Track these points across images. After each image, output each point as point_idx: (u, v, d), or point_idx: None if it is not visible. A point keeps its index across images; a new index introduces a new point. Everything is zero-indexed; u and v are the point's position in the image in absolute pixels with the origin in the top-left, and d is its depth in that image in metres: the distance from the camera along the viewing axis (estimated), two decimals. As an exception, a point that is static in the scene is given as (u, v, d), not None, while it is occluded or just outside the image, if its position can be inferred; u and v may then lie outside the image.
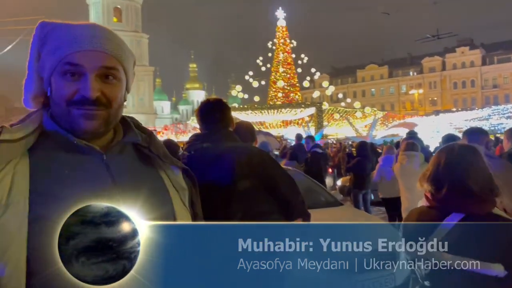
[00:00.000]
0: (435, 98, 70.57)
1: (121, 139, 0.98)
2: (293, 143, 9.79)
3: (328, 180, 10.27)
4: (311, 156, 7.05)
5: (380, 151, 14.93)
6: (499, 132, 23.12)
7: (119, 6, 69.69)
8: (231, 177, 1.89)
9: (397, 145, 11.82)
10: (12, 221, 0.79)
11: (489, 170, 1.59)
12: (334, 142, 24.03)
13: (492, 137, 19.19)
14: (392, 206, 7.81)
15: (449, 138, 5.36)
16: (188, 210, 1.02)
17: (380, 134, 26.68)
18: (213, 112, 2.16)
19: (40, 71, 0.91)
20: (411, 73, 73.85)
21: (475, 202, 1.51)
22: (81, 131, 0.89)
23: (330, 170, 13.82)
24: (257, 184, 1.94)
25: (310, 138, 8.03)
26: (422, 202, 1.67)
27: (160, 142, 1.03)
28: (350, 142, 20.00)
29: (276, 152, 7.91)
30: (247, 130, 2.55)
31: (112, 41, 0.92)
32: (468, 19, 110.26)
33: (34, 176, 0.84)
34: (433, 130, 20.47)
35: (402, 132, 23.61)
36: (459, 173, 1.56)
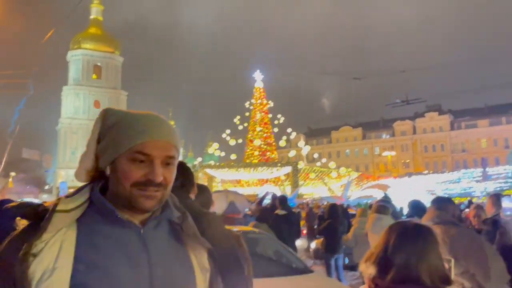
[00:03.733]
0: (408, 161, 72.45)
1: (159, 214, 1.06)
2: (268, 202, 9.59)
3: (302, 242, 9.98)
4: (282, 219, 6.83)
5: (354, 212, 14.89)
6: (468, 195, 23.57)
7: (99, 64, 70.78)
8: None
9: (371, 207, 11.83)
10: (55, 285, 0.89)
11: (442, 254, 1.43)
12: (309, 202, 23.90)
13: (462, 200, 19.51)
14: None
15: (414, 205, 5.08)
16: None
17: (354, 194, 26.80)
18: (174, 178, 1.99)
19: (102, 152, 1.02)
20: (383, 135, 76.26)
21: None
22: (140, 209, 1.00)
23: (303, 232, 13.56)
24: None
25: (280, 199, 7.72)
26: None
27: (192, 221, 1.11)
28: (323, 203, 19.89)
29: (248, 212, 7.65)
30: (203, 195, 2.39)
31: (173, 132, 1.07)
32: (436, 86, 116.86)
33: (79, 244, 0.94)
34: (406, 192, 20.70)
35: (376, 194, 23.78)
36: (409, 258, 1.36)
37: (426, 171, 51.20)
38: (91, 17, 71.94)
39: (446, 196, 21.94)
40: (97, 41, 69.88)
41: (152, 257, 0.99)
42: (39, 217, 0.96)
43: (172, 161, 1.04)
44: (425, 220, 2.63)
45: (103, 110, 1.06)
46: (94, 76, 70.43)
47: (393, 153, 61.70)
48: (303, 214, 15.04)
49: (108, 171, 1.02)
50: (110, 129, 1.02)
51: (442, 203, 2.74)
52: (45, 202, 1.03)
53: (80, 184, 1.07)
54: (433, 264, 1.37)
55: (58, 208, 0.97)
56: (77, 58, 69.55)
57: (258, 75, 40.05)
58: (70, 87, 69.05)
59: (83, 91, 69.31)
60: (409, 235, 1.42)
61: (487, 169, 26.67)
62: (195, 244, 1.07)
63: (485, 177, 24.91)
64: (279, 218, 6.79)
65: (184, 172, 2.01)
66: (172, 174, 1.05)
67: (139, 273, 0.95)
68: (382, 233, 1.48)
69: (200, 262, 1.07)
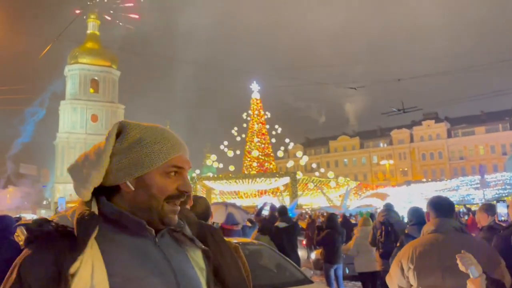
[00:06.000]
0: (406, 169, 72.48)
1: None
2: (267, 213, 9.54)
3: (302, 253, 9.93)
4: (282, 230, 6.79)
5: (354, 222, 14.83)
6: (468, 203, 23.55)
7: (96, 78, 70.96)
8: None
9: (372, 216, 11.78)
10: None
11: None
12: (308, 212, 23.81)
13: (461, 208, 19.46)
14: (370, 281, 7.51)
15: (414, 211, 5.25)
16: None
17: (354, 204, 26.75)
18: None
19: (121, 167, 1.01)
20: (381, 144, 76.38)
21: None
22: (168, 224, 1.05)
23: (303, 242, 13.48)
24: None
25: (280, 210, 7.73)
26: None
27: (186, 225, 1.15)
28: (321, 213, 19.82)
29: (247, 223, 7.60)
30: (202, 206, 2.38)
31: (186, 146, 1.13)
32: (432, 94, 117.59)
33: (106, 259, 0.94)
34: (405, 201, 20.66)
35: (376, 203, 23.75)
36: None
37: (424, 179, 51.25)
38: (88, 31, 72.31)
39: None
40: (94, 55, 70.15)
41: (173, 264, 1.02)
42: (60, 235, 0.94)
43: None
44: (427, 229, 2.51)
45: (118, 124, 1.06)
46: (91, 90, 70.52)
47: (391, 161, 61.74)
48: (303, 225, 14.97)
49: (131, 187, 1.02)
50: (134, 144, 1.03)
51: (443, 208, 2.51)
52: (52, 217, 1.01)
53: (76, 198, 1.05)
54: None
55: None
56: (74, 73, 69.71)
57: (254, 86, 40.26)
58: (67, 102, 69.08)
59: (81, 106, 69.35)
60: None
61: (485, 176, 26.68)
62: (191, 246, 1.11)
63: (484, 184, 24.92)
64: (280, 230, 6.76)
65: None
66: None
67: (168, 281, 0.98)
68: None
69: (197, 263, 1.09)
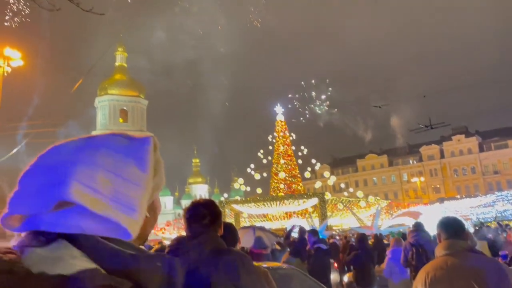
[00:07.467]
0: (438, 186, 70.42)
1: None
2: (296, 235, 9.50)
3: (334, 276, 9.75)
4: (314, 253, 6.73)
5: (387, 242, 14.46)
6: (506, 219, 22.59)
7: (125, 108, 73.22)
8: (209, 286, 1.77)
9: (404, 236, 11.47)
10: None
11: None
12: (338, 234, 23.36)
13: (504, 223, 18.67)
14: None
15: (449, 224, 5.01)
16: None
17: (385, 223, 26.06)
18: (202, 216, 2.04)
19: (154, 190, 0.81)
20: (410, 161, 74.71)
21: None
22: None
23: (335, 264, 13.22)
24: None
25: (312, 232, 7.72)
26: None
27: None
28: (352, 234, 19.44)
29: (278, 247, 7.58)
30: (229, 232, 2.45)
31: None
32: (460, 108, 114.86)
33: None
34: (439, 219, 19.98)
35: (408, 222, 23.06)
36: None
37: (458, 196, 49.59)
38: (116, 64, 75.13)
39: (480, 220, 21.02)
40: (122, 86, 72.62)
41: None
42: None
43: None
44: (438, 251, 2.53)
45: (154, 139, 0.86)
46: (120, 120, 72.69)
47: (422, 178, 60.19)
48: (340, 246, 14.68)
49: (147, 213, 0.81)
50: (160, 161, 0.85)
51: (456, 230, 2.53)
52: None
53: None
54: None
55: None
56: (104, 104, 72.19)
57: (278, 109, 40.53)
58: (98, 132, 71.06)
59: (111, 135, 71.38)
60: None
61: (522, 190, 25.61)
62: None
63: (522, 199, 23.90)
64: (320, 252, 6.72)
65: (213, 211, 2.11)
66: None
67: None
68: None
69: None
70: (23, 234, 0.69)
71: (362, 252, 7.57)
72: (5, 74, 13.85)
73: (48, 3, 7.87)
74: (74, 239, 0.65)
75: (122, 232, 0.69)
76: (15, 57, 14.02)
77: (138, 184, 0.73)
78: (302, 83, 44.37)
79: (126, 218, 0.69)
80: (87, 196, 0.65)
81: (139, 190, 0.72)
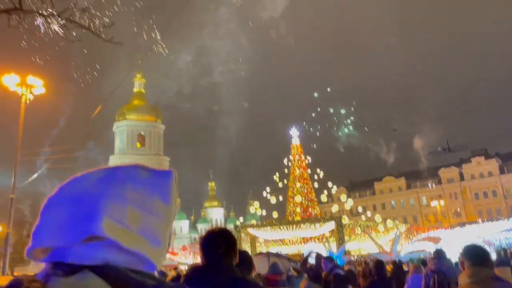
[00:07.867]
0: (458, 209, 68.71)
1: None
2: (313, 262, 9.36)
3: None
4: (334, 279, 6.60)
5: (406, 269, 14.06)
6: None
7: (142, 133, 74.50)
8: None
9: (424, 262, 11.14)
10: None
11: None
12: (356, 260, 22.83)
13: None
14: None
15: (473, 252, 4.92)
16: None
17: (405, 249, 25.40)
18: (217, 245, 2.04)
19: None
20: (429, 184, 73.27)
21: None
22: None
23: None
24: None
25: (328, 259, 7.60)
26: None
27: None
28: (370, 259, 19.00)
29: (294, 273, 7.48)
30: (245, 260, 2.44)
31: None
32: (478, 130, 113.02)
33: None
34: (460, 244, 19.43)
35: (429, 247, 22.44)
36: None
37: (479, 220, 48.19)
38: (135, 89, 76.88)
39: (503, 247, 20.30)
40: (140, 111, 74.07)
41: None
42: None
43: None
44: (462, 279, 2.49)
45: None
46: (138, 144, 73.84)
47: (442, 202, 58.84)
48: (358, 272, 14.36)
49: None
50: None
51: (477, 256, 2.54)
52: None
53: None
54: None
55: None
56: (122, 129, 73.56)
57: (294, 132, 40.55)
58: (116, 157, 72.38)
59: (128, 159, 72.33)
60: None
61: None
62: None
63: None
64: (339, 278, 6.60)
65: (228, 240, 2.11)
66: None
67: None
68: None
69: None
70: (45, 263, 0.71)
71: (378, 279, 7.38)
72: (28, 101, 14.26)
73: (69, 33, 8.18)
74: (98, 269, 0.67)
75: (148, 265, 0.71)
76: (37, 85, 14.47)
77: (163, 217, 0.75)
78: (318, 109, 44.38)
79: (153, 251, 0.71)
80: (119, 231, 0.67)
81: (164, 223, 0.75)
